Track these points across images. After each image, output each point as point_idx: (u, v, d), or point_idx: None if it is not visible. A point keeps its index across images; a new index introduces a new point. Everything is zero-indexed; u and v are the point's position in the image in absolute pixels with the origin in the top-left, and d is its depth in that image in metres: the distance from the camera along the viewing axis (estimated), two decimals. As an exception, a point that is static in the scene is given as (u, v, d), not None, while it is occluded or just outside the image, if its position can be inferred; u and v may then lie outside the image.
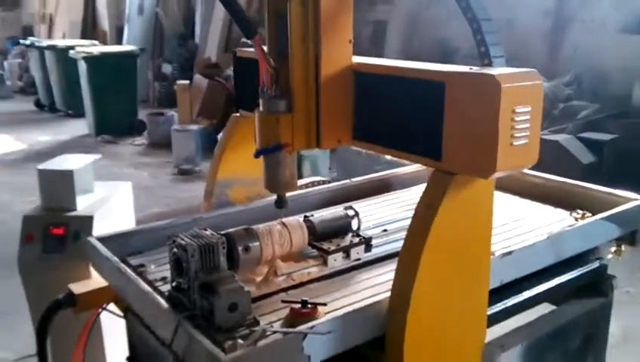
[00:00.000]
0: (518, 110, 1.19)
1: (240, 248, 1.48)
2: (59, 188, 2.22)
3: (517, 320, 1.72)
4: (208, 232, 1.43)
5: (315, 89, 1.46)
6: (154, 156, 7.77)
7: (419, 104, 1.33)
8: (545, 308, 1.86)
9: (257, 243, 1.52)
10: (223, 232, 1.46)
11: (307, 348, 1.20)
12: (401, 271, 1.29)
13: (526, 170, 2.23)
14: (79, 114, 9.95)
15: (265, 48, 1.45)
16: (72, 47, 9.34)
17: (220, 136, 2.11)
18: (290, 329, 1.22)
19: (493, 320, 1.54)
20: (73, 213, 2.23)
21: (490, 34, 1.27)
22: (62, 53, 9.66)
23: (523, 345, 1.67)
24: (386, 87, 1.42)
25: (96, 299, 1.79)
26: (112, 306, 1.85)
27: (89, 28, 14.91)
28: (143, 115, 9.40)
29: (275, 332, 1.22)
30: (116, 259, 1.58)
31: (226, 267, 1.41)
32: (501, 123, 1.17)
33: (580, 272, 1.84)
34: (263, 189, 2.05)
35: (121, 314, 1.83)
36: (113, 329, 2.07)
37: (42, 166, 2.29)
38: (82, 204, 2.27)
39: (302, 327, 1.22)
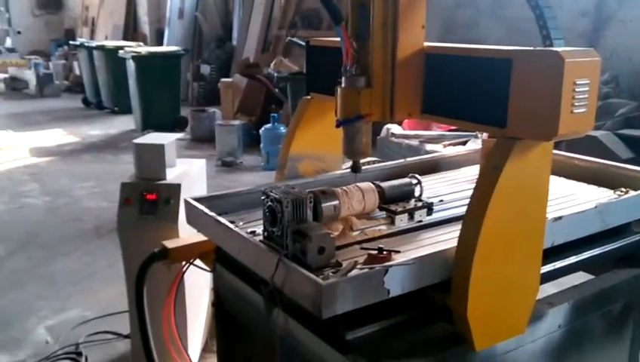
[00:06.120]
0: (578, 82, 1.35)
1: (323, 204, 1.69)
2: (152, 159, 2.48)
3: (560, 284, 1.88)
4: (296, 190, 1.66)
5: (391, 68, 1.64)
6: (197, 150, 8.07)
7: (486, 79, 1.50)
8: (586, 277, 2.03)
9: (337, 202, 1.71)
10: (308, 190, 1.68)
11: (387, 283, 1.38)
12: (469, 222, 1.43)
13: (570, 154, 2.42)
14: (125, 111, 10.38)
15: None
16: (121, 48, 9.74)
17: (291, 116, 2.34)
18: (376, 265, 1.43)
19: (543, 279, 1.66)
20: (163, 182, 2.49)
21: (550, 19, 1.47)
22: (111, 53, 10.09)
23: (569, 304, 1.82)
24: (456, 66, 1.60)
25: (186, 254, 2.03)
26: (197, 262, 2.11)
27: (130, 31, 15.45)
28: (184, 112, 9.76)
29: (362, 268, 1.44)
30: (215, 214, 1.80)
31: (312, 219, 1.63)
32: (564, 93, 1.33)
33: (623, 243, 1.97)
34: (329, 164, 2.29)
35: (207, 267, 2.08)
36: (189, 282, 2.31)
37: (138, 140, 2.56)
38: (170, 175, 2.53)
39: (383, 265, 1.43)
